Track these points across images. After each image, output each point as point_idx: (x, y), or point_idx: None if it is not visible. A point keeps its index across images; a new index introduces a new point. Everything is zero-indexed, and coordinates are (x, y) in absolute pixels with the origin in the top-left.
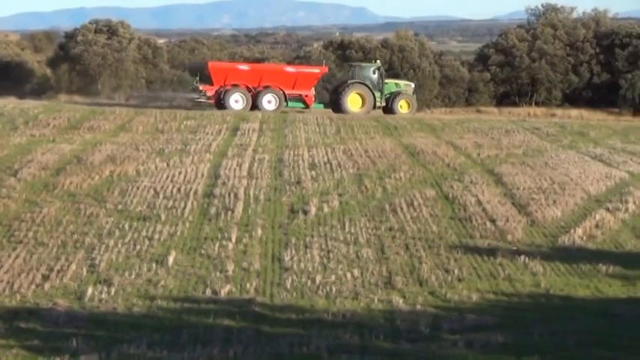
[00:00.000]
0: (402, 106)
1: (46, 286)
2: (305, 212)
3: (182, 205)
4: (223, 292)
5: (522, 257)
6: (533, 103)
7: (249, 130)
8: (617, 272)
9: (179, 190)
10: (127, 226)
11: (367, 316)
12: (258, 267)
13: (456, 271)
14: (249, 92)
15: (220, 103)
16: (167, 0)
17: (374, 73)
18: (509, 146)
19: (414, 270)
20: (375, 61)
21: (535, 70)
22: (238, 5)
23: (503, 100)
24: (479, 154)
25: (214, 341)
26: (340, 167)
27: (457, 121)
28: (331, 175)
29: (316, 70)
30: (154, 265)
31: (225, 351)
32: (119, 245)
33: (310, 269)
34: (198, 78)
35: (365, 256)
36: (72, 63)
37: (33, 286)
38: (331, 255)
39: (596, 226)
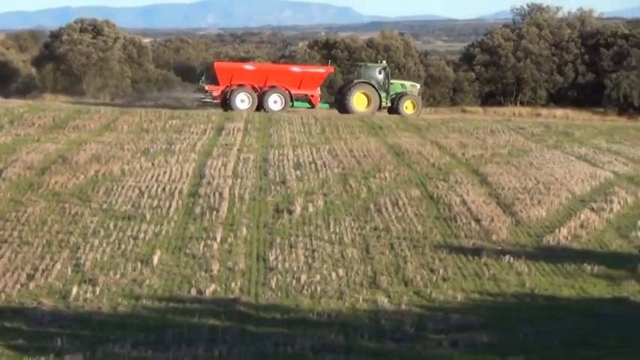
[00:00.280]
0: (407, 107)
1: (31, 285)
2: (290, 212)
3: (167, 204)
4: (208, 292)
5: (507, 257)
6: (519, 103)
7: (234, 130)
8: (602, 272)
9: (164, 189)
10: (111, 226)
11: (352, 316)
12: (243, 266)
13: (441, 271)
14: (255, 92)
15: (226, 103)
16: None
17: (380, 73)
18: (494, 146)
19: (399, 270)
20: (382, 62)
21: (520, 70)
22: (224, 5)
23: (488, 99)
24: (464, 154)
25: (199, 341)
26: (325, 167)
27: (442, 121)
28: (316, 175)
29: (322, 70)
30: (138, 264)
31: (210, 350)
32: (104, 245)
33: (295, 269)
34: (204, 78)
35: (350, 255)
36: (57, 62)
37: (18, 286)
38: (316, 254)
39: (581, 226)
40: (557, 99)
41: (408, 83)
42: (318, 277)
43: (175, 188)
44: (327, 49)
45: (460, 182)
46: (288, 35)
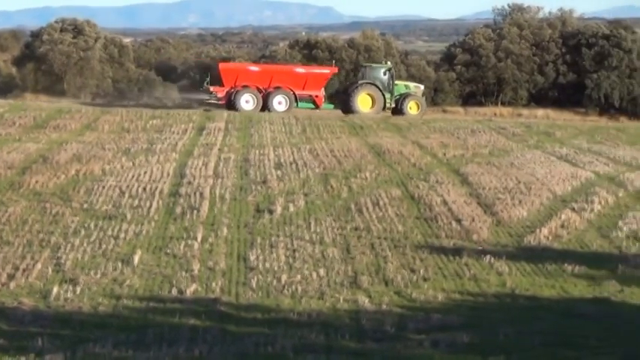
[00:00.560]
0: (411, 108)
1: (12, 285)
2: (271, 212)
3: (148, 204)
4: (189, 292)
5: (488, 257)
6: (499, 103)
7: (215, 130)
8: (583, 272)
9: (145, 189)
10: (92, 226)
11: (333, 316)
12: (224, 266)
13: (422, 271)
14: (260, 93)
15: (231, 104)
16: None
17: (384, 74)
18: (475, 146)
19: (380, 270)
20: (386, 63)
21: (501, 70)
22: (205, 5)
23: (469, 99)
24: (445, 154)
25: (180, 340)
26: (306, 167)
27: (423, 121)
28: (297, 175)
29: (326, 70)
30: (119, 264)
31: (190, 350)
32: (85, 244)
33: (276, 269)
34: (208, 79)
35: (330, 255)
36: (38, 62)
37: None
38: (297, 254)
39: (562, 226)
40: (538, 99)
41: (412, 84)
42: (299, 277)
43: (156, 188)
44: (307, 49)
45: (441, 182)
46: (268, 35)
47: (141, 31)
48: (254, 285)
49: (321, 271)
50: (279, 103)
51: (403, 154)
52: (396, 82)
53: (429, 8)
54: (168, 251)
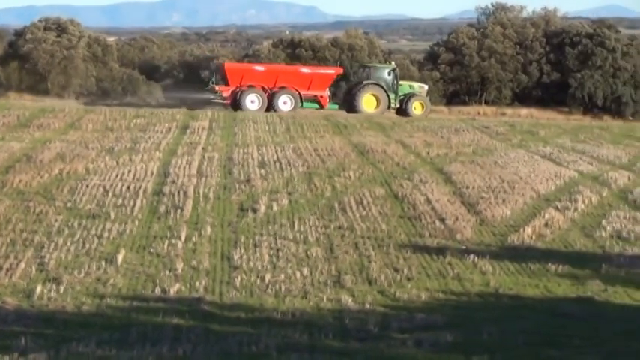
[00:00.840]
0: (416, 108)
1: None
2: (254, 211)
3: (131, 203)
4: (172, 291)
5: (471, 256)
6: (483, 102)
7: (198, 129)
8: (566, 271)
9: (128, 188)
10: (76, 225)
11: (316, 315)
12: (208, 265)
13: (405, 270)
14: (265, 93)
15: (236, 104)
16: None
17: (389, 74)
18: (458, 145)
19: (364, 269)
20: (390, 63)
21: (485, 69)
22: (189, 3)
23: (452, 99)
24: (428, 153)
25: (163, 340)
26: (290, 166)
27: (407, 120)
28: (281, 174)
29: (331, 70)
30: (103, 263)
31: (174, 349)
32: (68, 243)
33: (259, 268)
34: (214, 78)
35: (314, 254)
36: (21, 61)
37: None
38: (280, 254)
39: (546, 225)
40: (522, 98)
41: (416, 84)
42: (283, 276)
43: (140, 187)
44: (291, 48)
45: (425, 181)
46: (252, 34)
47: (124, 30)
48: (237, 284)
49: (305, 271)
50: (285, 102)
51: (387, 154)
52: (401, 82)
53: (412, 7)
54: (151, 250)
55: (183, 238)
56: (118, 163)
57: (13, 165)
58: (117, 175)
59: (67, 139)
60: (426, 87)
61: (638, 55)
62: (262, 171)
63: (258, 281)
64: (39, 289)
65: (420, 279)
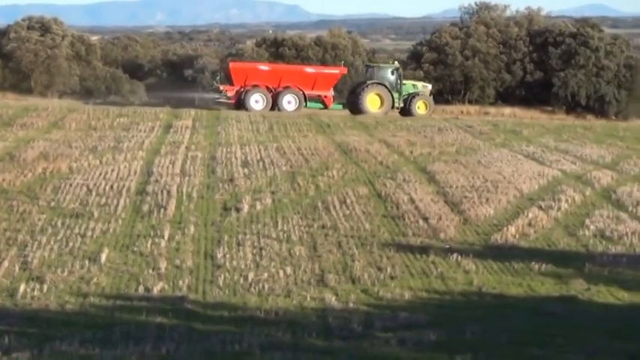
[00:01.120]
0: (419, 107)
1: None
2: (238, 210)
3: (115, 202)
4: (156, 290)
5: (455, 255)
6: (467, 101)
7: (182, 128)
8: (550, 270)
9: (112, 187)
10: (59, 224)
11: (299, 314)
12: (191, 264)
13: (389, 269)
14: (270, 92)
15: (241, 103)
16: None
17: (392, 74)
18: (442, 144)
19: (347, 268)
20: (394, 63)
21: (468, 68)
22: (172, 2)
23: (436, 98)
24: (412, 152)
25: (147, 338)
26: (273, 165)
27: (390, 119)
28: (264, 173)
29: (336, 70)
30: (86, 262)
31: (157, 348)
32: (52, 242)
33: (243, 267)
34: (218, 78)
35: (297, 253)
36: (5, 60)
37: None
38: (264, 252)
39: (529, 224)
40: (506, 97)
41: (419, 84)
42: (266, 275)
43: (123, 186)
44: (275, 47)
45: (408, 180)
46: (235, 33)
47: (107, 29)
48: (221, 283)
49: (288, 269)
50: (289, 102)
51: (370, 153)
52: (404, 81)
53: (396, 6)
54: (135, 249)
55: (166, 237)
56: (101, 162)
57: None
58: (100, 174)
59: (51, 138)
60: (430, 86)
61: (622, 55)
62: (246, 170)
63: (242, 280)
64: (22, 288)
65: (404, 278)
